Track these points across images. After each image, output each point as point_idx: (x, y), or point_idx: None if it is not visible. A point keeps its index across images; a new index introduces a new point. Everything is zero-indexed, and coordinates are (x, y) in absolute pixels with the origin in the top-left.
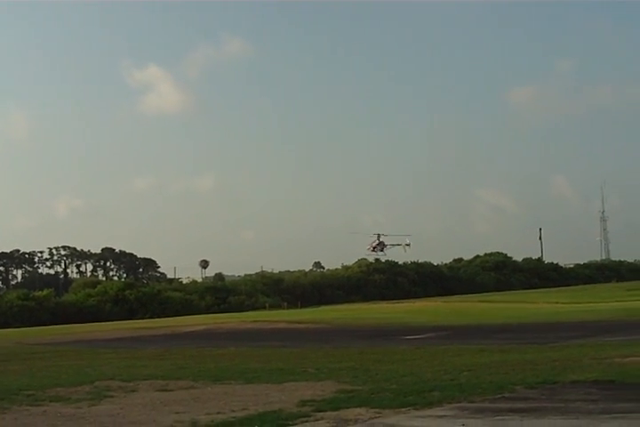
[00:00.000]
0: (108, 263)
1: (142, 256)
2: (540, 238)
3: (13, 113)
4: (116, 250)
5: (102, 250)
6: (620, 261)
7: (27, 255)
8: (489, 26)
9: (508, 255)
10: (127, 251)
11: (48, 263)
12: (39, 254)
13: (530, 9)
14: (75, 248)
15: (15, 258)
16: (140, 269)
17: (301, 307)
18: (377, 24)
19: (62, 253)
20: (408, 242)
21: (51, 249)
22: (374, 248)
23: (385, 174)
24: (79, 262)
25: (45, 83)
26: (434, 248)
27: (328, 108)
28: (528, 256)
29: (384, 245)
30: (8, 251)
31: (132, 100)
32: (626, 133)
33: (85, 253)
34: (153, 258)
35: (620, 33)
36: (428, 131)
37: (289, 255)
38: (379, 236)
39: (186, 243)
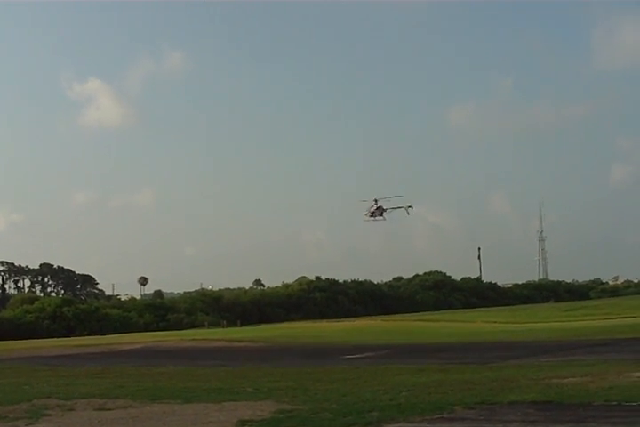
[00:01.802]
0: (46, 279)
1: (81, 272)
2: (479, 258)
3: None
4: (55, 266)
5: (40, 266)
6: (557, 282)
7: None
8: (428, 42)
9: (447, 274)
10: (65, 267)
11: None
12: None
13: (467, 26)
14: (12, 263)
15: None
16: (79, 286)
17: (241, 325)
18: (312, 43)
19: (0, 268)
20: (410, 204)
21: None
22: (372, 213)
23: (324, 191)
24: (17, 278)
25: None
26: (374, 265)
27: (269, 123)
28: (467, 275)
29: (383, 210)
30: None
31: (73, 113)
32: (564, 151)
33: (23, 268)
34: (91, 274)
35: (555, 51)
36: (365, 147)
37: (229, 272)
38: (376, 201)
39: (125, 259)
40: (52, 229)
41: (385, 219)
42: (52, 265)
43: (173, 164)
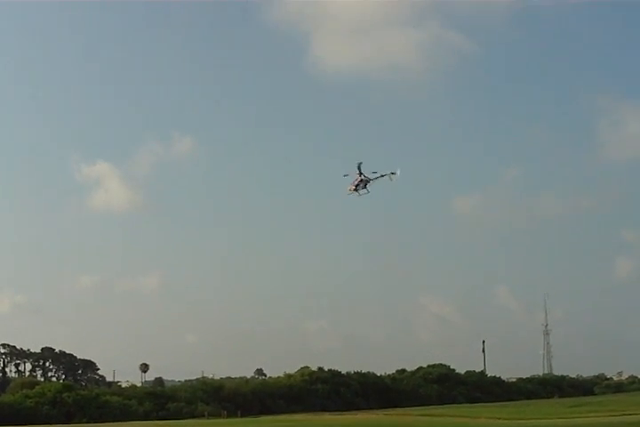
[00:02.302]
0: (47, 363)
1: (82, 357)
2: (484, 351)
3: None
4: (56, 350)
5: (42, 349)
6: (562, 376)
7: None
8: (434, 132)
9: (451, 367)
10: (67, 351)
11: None
12: None
13: (475, 117)
14: (14, 346)
15: None
16: (80, 371)
17: (241, 416)
18: (319, 133)
19: (1, 351)
20: (393, 171)
21: None
22: (356, 186)
23: (328, 281)
24: (18, 361)
25: None
26: (377, 356)
27: (273, 210)
28: (471, 368)
29: (367, 182)
30: None
31: (80, 195)
32: (569, 243)
33: (25, 351)
34: (93, 360)
35: (561, 143)
36: (372, 237)
37: (231, 360)
38: (360, 173)
39: (127, 345)
40: (55, 312)
41: (369, 191)
42: (54, 349)
43: (179, 248)
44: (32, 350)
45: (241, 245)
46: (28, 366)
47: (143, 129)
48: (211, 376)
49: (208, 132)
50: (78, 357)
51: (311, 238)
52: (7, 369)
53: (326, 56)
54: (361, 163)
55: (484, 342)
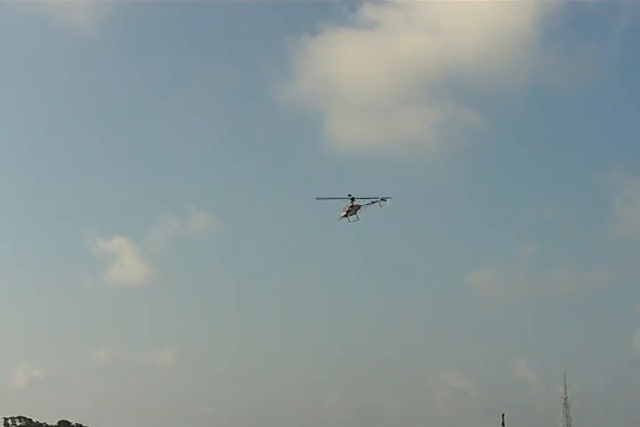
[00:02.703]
0: None
1: None
2: (503, 424)
3: None
4: (73, 423)
5: (59, 423)
6: None
7: None
8: (448, 205)
9: None
10: (84, 424)
11: None
12: None
13: (489, 191)
14: (30, 419)
15: None
16: None
17: None
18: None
19: (18, 423)
20: (384, 197)
21: (6, 419)
22: (347, 213)
23: (343, 354)
24: None
25: (8, 245)
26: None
27: (288, 286)
28: None
29: (358, 208)
30: None
31: (96, 269)
32: (586, 318)
33: (41, 425)
34: None
35: (576, 217)
36: (387, 309)
37: None
38: (352, 199)
39: (144, 417)
40: (71, 385)
41: (359, 218)
42: (70, 422)
43: (194, 322)
44: (48, 424)
45: (256, 318)
46: None
47: (159, 204)
48: None
49: (224, 207)
50: None
51: (326, 311)
52: None
53: (340, 136)
54: (350, 195)
55: (503, 415)
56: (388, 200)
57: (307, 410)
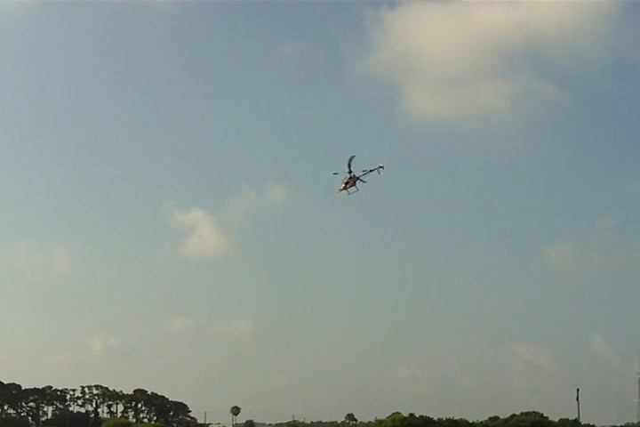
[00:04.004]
0: (139, 405)
1: (174, 399)
2: (578, 399)
3: (55, 248)
4: (148, 392)
5: (134, 391)
6: None
7: (59, 392)
8: (530, 186)
9: (545, 415)
10: (159, 393)
11: (80, 402)
12: (71, 392)
13: (569, 170)
14: (107, 388)
15: (47, 395)
16: (171, 413)
17: None
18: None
19: (94, 392)
20: (381, 165)
21: (83, 387)
22: (345, 185)
23: (420, 326)
24: (110, 402)
25: (88, 219)
26: (469, 402)
27: (367, 262)
28: (565, 416)
29: (356, 179)
30: (40, 387)
31: (174, 241)
32: None
33: (117, 393)
34: (184, 402)
35: None
36: (464, 283)
37: (322, 404)
38: (350, 171)
39: (219, 387)
40: (148, 355)
41: (358, 189)
42: (146, 391)
43: (271, 293)
44: (124, 392)
45: (333, 291)
46: (120, 408)
47: (237, 177)
48: (302, 420)
49: (300, 180)
50: (170, 399)
51: (407, 287)
52: (100, 410)
53: (417, 108)
54: (353, 157)
55: (578, 389)
56: (382, 169)
57: (382, 382)
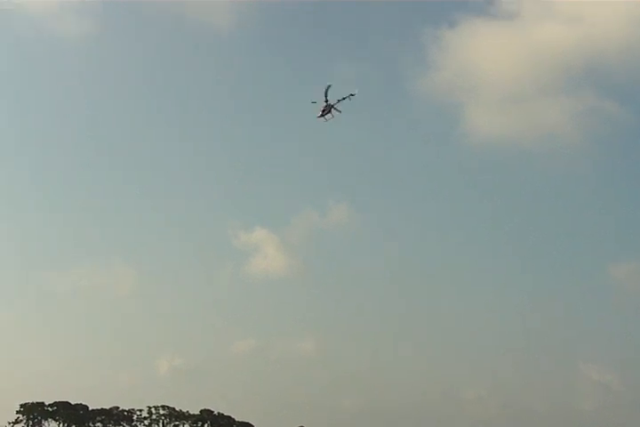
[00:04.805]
0: (205, 425)
1: (240, 420)
2: None
3: (119, 268)
4: (215, 412)
5: (201, 411)
6: None
7: (125, 413)
8: (593, 203)
9: None
10: (225, 413)
11: (146, 422)
12: (138, 413)
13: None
14: (173, 408)
15: (114, 415)
16: None
17: None
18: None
19: (161, 412)
20: (352, 93)
21: (150, 408)
22: (322, 112)
23: (484, 347)
24: (177, 423)
25: (153, 240)
26: (536, 423)
27: (431, 282)
28: None
29: (331, 107)
30: (107, 407)
31: (238, 261)
32: None
33: (184, 413)
34: (251, 422)
35: None
36: (529, 302)
37: (387, 425)
38: (327, 100)
39: (284, 407)
40: (213, 375)
41: (333, 116)
42: (213, 411)
43: (335, 314)
44: (191, 412)
45: (398, 310)
46: None
47: (300, 196)
48: None
49: (362, 199)
50: (236, 419)
51: (470, 305)
52: None
53: (479, 127)
54: (329, 86)
55: None
56: (356, 92)
57: (445, 403)
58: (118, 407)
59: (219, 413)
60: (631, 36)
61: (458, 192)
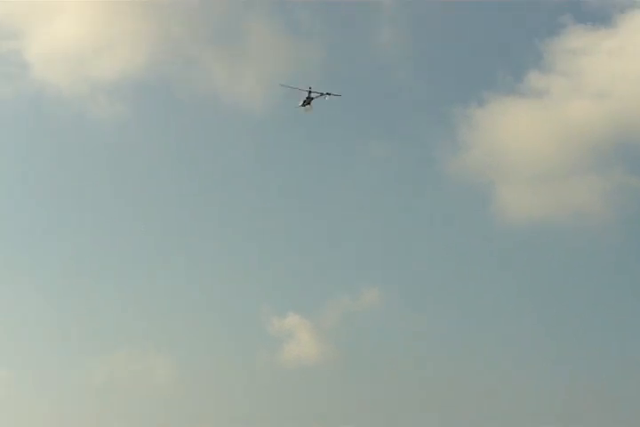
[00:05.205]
0: None
1: None
2: None
3: (154, 356)
4: None
5: None
6: None
7: None
8: (630, 282)
9: None
10: None
11: None
12: None
13: None
14: None
15: None
16: None
17: None
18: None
19: None
20: (328, 92)
21: None
22: (303, 103)
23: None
24: None
25: (187, 327)
26: None
27: (469, 364)
28: None
29: (311, 99)
30: None
31: (272, 348)
32: None
33: None
34: None
35: None
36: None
37: None
38: (309, 92)
39: None
40: None
41: (312, 107)
42: None
43: (372, 403)
44: None
45: (436, 395)
46: None
47: (331, 281)
48: None
49: (394, 282)
50: None
51: (510, 391)
52: None
53: (510, 207)
54: (310, 87)
55: None
56: (332, 96)
57: None
58: None
59: None
60: None
61: (489, 271)
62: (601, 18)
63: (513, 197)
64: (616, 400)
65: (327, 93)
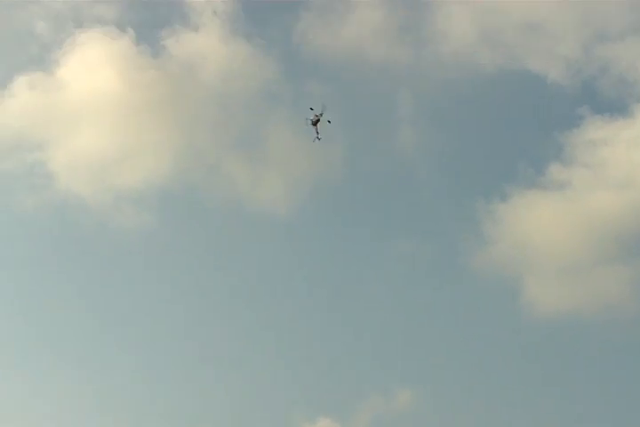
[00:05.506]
0: None
1: None
2: None
3: None
4: None
5: None
6: None
7: None
8: None
9: None
10: None
11: None
12: None
13: None
14: None
15: None
16: None
17: None
18: None
19: None
20: (329, 120)
21: None
22: (313, 123)
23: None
24: None
25: None
26: None
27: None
28: None
29: (317, 121)
30: None
31: None
32: None
33: None
34: None
35: None
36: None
37: None
38: (321, 114)
39: None
40: None
41: (318, 131)
42: None
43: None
44: None
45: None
46: None
47: (362, 383)
48: None
49: (427, 382)
50: None
51: None
52: None
53: (538, 300)
54: (322, 113)
55: None
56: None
57: None
58: None
59: None
60: None
61: (523, 367)
62: (618, 108)
63: (540, 290)
64: None
65: (328, 121)
